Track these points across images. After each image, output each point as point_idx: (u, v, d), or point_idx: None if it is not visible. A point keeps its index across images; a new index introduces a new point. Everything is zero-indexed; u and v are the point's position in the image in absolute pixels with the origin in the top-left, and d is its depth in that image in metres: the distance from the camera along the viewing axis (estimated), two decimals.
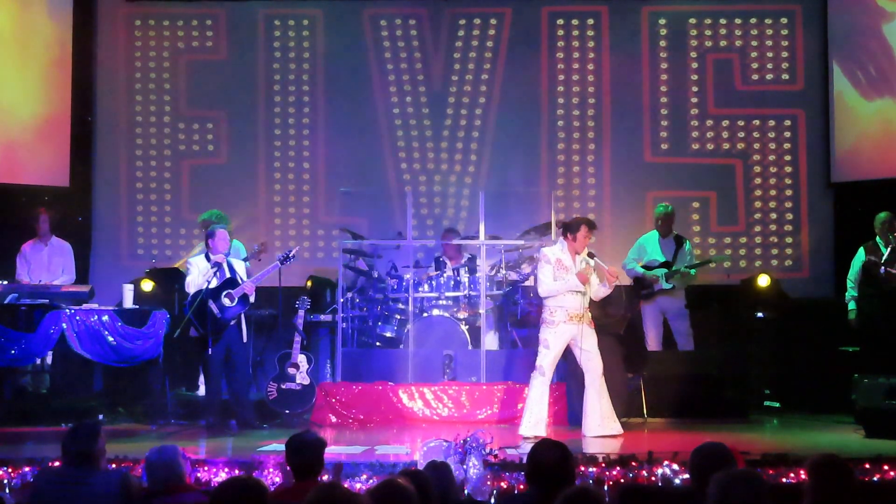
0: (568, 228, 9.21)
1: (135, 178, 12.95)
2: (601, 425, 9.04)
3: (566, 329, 9.06)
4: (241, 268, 10.02)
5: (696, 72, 12.87)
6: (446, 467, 5.34)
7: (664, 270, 11.30)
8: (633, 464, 7.08)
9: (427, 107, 12.97)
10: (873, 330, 10.60)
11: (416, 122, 12.96)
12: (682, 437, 8.95)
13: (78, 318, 9.72)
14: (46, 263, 11.20)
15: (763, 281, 11.72)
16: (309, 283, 11.97)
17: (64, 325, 9.64)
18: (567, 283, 9.03)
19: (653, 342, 11.37)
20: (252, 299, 9.92)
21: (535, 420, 9.02)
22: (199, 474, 6.87)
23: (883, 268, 10.39)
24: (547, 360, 9.09)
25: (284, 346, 10.65)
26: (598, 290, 9.20)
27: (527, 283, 10.97)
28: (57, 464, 5.83)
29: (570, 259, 9.09)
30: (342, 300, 11.03)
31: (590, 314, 9.21)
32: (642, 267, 11.41)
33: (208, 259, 9.84)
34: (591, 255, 9.10)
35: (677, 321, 11.36)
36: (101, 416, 10.23)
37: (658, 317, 11.44)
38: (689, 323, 11.35)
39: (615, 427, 9.11)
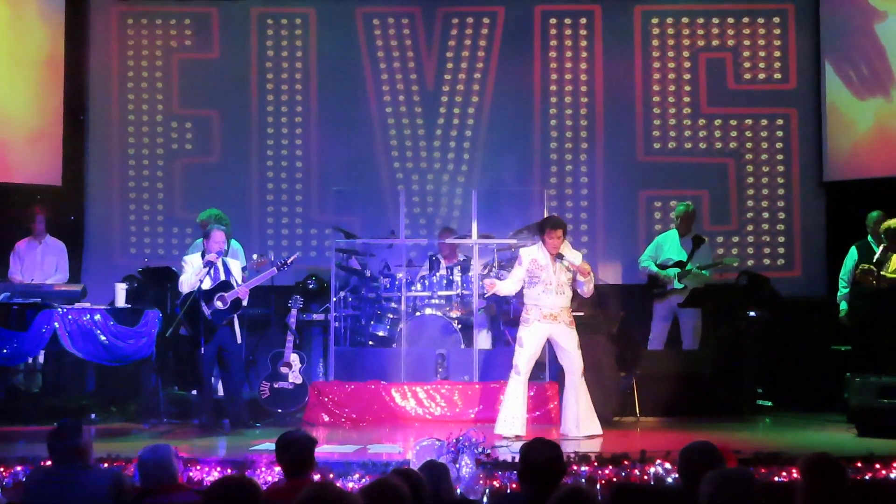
0: (538, 230, 9.28)
1: (127, 176, 12.93)
2: (577, 426, 9.03)
3: (540, 327, 9.09)
4: (236, 269, 9.99)
5: (689, 71, 12.88)
6: (443, 468, 5.31)
7: (677, 270, 11.32)
8: (626, 462, 7.10)
9: (420, 105, 12.97)
10: (865, 329, 10.61)
11: (408, 121, 12.96)
12: (674, 435, 8.94)
13: (70, 317, 9.71)
14: (40, 262, 11.20)
15: (743, 280, 11.75)
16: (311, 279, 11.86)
17: (56, 324, 9.63)
18: (498, 286, 9.32)
19: (656, 339, 11.40)
20: (245, 303, 9.91)
21: (511, 418, 9.00)
22: (191, 473, 6.87)
23: (875, 273, 10.38)
24: (522, 358, 9.11)
25: (277, 345, 10.66)
26: (583, 287, 9.24)
27: None
28: (48, 463, 5.82)
29: (547, 258, 9.11)
30: (335, 299, 11.03)
31: (569, 314, 9.20)
32: (657, 265, 11.44)
33: (203, 258, 9.83)
34: (559, 257, 9.10)
35: (688, 318, 11.39)
36: (93, 415, 10.23)
37: (668, 315, 11.49)
38: (700, 321, 11.36)
39: (593, 427, 9.09)
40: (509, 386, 9.15)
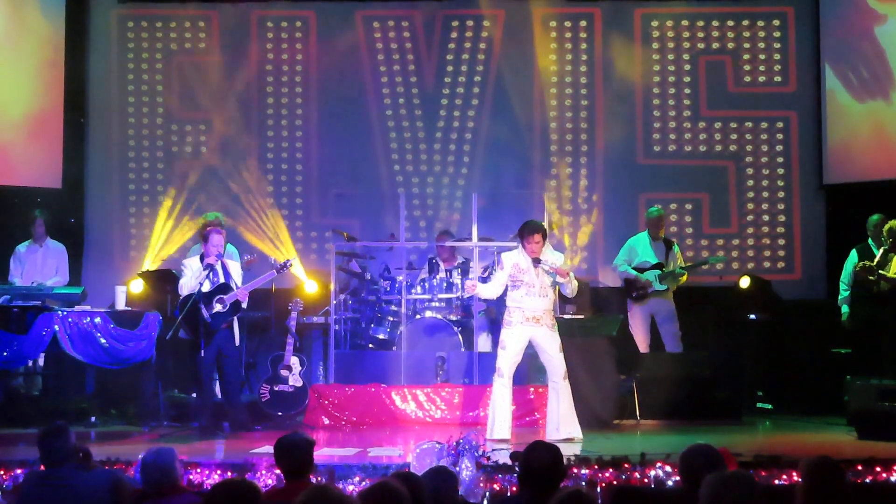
0: (518, 235, 9.28)
1: (127, 179, 12.93)
2: (558, 429, 8.97)
3: (522, 330, 9.06)
4: (236, 270, 9.98)
5: (689, 73, 12.87)
6: (450, 475, 5.24)
7: (657, 272, 11.32)
8: (626, 465, 7.08)
9: (420, 108, 12.97)
10: (865, 332, 10.61)
11: (408, 124, 12.95)
12: (675, 438, 8.95)
13: (70, 319, 9.72)
14: (41, 265, 11.19)
15: (744, 282, 11.76)
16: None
17: (56, 327, 9.65)
18: (479, 289, 9.37)
19: (641, 344, 11.38)
20: (244, 305, 9.91)
21: (500, 422, 8.97)
22: (191, 476, 6.86)
23: (877, 271, 10.39)
24: (505, 361, 9.08)
25: (277, 348, 10.65)
26: (565, 289, 9.24)
27: None
28: (42, 467, 5.83)
29: (528, 262, 9.09)
30: (335, 302, 11.03)
31: (552, 317, 9.18)
32: (634, 268, 11.43)
33: (202, 261, 9.83)
34: (537, 262, 9.06)
35: (667, 323, 11.39)
36: (93, 418, 10.23)
37: (647, 319, 11.46)
38: (679, 325, 11.37)
39: (573, 430, 9.02)
40: (494, 390, 9.11)
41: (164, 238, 12.49)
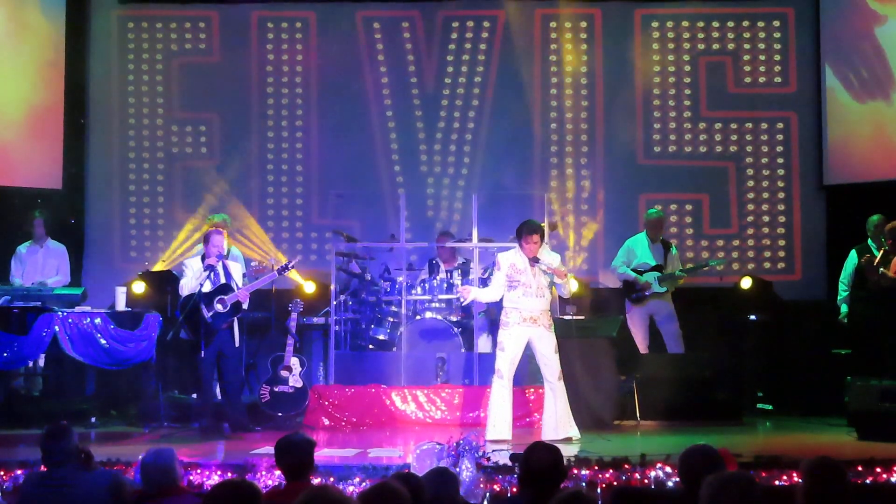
0: (516, 235, 9.27)
1: (128, 180, 12.93)
2: (556, 429, 8.97)
3: (520, 331, 9.06)
4: (237, 272, 9.98)
5: (689, 74, 12.87)
6: (451, 476, 5.24)
7: (657, 274, 11.31)
8: (626, 466, 7.08)
9: (420, 109, 12.96)
10: (865, 332, 10.61)
11: (409, 125, 12.95)
12: (675, 439, 8.94)
13: (70, 320, 9.72)
14: (41, 266, 11.20)
15: (746, 283, 11.76)
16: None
17: (56, 328, 9.65)
18: (476, 293, 9.45)
19: (641, 345, 11.37)
20: (245, 307, 9.90)
21: (499, 423, 8.96)
22: (191, 477, 6.86)
23: (879, 269, 10.40)
24: (504, 362, 9.07)
25: (277, 349, 10.65)
26: (562, 289, 9.25)
27: None
28: (43, 468, 5.84)
29: (525, 262, 9.07)
30: (335, 303, 11.03)
31: (549, 317, 9.17)
32: (633, 270, 11.42)
33: (203, 261, 9.83)
34: (535, 261, 9.05)
35: (667, 324, 11.38)
36: (93, 419, 10.23)
37: (646, 320, 11.46)
38: (679, 325, 11.37)
39: (571, 431, 9.04)
40: (493, 390, 9.10)
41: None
